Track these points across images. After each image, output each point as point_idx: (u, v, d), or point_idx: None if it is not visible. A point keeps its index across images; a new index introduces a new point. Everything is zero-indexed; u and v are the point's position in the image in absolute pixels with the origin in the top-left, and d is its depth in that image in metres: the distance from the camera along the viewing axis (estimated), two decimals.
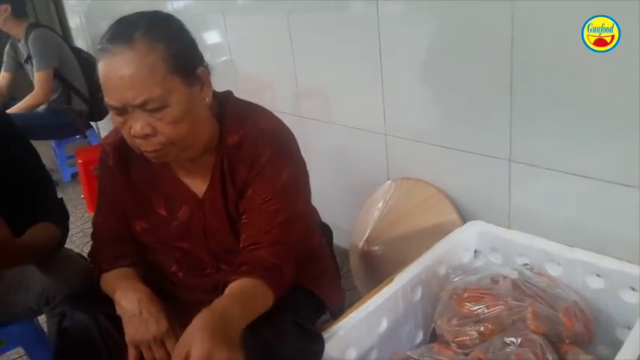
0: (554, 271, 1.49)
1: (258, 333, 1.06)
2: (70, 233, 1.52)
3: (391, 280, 1.47)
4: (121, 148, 1.27)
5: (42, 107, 3.52)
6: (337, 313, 1.38)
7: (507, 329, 1.33)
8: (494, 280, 1.45)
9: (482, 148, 1.67)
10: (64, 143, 3.86)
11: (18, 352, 2.06)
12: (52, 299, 1.43)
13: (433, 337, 1.50)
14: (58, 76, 3.48)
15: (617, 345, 1.22)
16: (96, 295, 1.28)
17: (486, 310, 1.37)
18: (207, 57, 1.19)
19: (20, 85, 3.73)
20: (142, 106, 1.05)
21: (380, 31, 1.85)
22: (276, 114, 1.28)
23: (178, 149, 1.13)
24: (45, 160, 1.50)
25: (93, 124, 3.98)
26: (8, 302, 1.49)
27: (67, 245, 1.53)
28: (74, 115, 3.62)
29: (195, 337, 0.92)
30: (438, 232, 1.68)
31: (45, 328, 1.71)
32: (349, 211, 2.09)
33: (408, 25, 1.81)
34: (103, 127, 4.28)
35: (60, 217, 1.46)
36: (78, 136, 3.84)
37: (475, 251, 1.66)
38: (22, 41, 3.46)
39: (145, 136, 1.08)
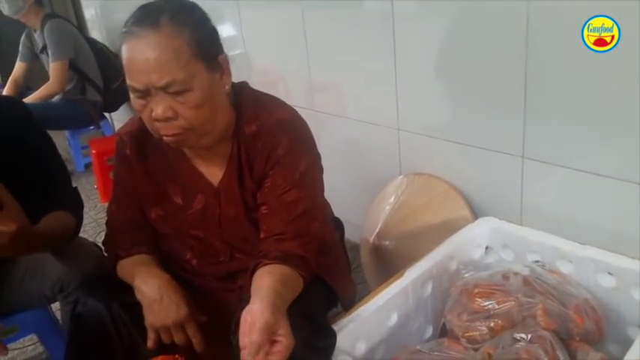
0: (565, 268, 1.49)
1: None
2: (83, 223, 1.53)
3: (402, 275, 1.47)
4: (138, 138, 1.29)
5: (57, 97, 3.55)
6: (348, 306, 1.39)
7: (517, 325, 1.33)
8: (505, 277, 1.44)
9: (495, 144, 1.67)
10: (78, 133, 3.89)
11: (31, 339, 2.09)
12: (67, 287, 1.44)
13: (443, 332, 1.50)
14: (73, 67, 3.50)
15: (627, 343, 1.22)
16: (109, 283, 1.30)
17: (497, 306, 1.37)
18: None
19: (36, 75, 3.76)
20: (165, 89, 1.07)
21: (394, 26, 1.85)
22: None
23: (197, 135, 1.14)
24: (59, 150, 1.52)
25: (107, 115, 4.01)
26: (23, 289, 1.52)
27: (80, 235, 1.55)
28: (88, 106, 3.65)
29: (256, 309, 0.96)
30: (450, 228, 1.68)
31: (59, 317, 1.73)
32: (361, 205, 2.10)
33: (422, 21, 1.80)
34: (117, 119, 4.30)
35: (75, 206, 1.47)
36: (92, 127, 3.87)
37: (486, 247, 1.66)
38: (38, 31, 3.49)
39: (167, 119, 1.09)
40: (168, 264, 1.31)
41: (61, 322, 1.68)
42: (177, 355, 1.18)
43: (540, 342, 1.25)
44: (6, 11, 3.40)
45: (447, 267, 1.57)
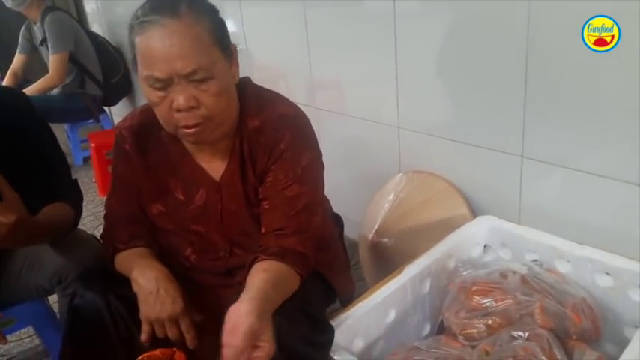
0: (563, 267, 1.49)
1: None
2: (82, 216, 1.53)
3: (400, 272, 1.48)
4: (139, 132, 1.29)
5: (55, 90, 3.55)
6: (347, 303, 1.39)
7: (515, 323, 1.34)
8: (503, 275, 1.45)
9: (495, 143, 1.67)
10: (77, 127, 3.89)
11: (28, 331, 2.09)
12: (65, 278, 1.44)
13: (440, 329, 1.51)
14: (73, 60, 3.50)
15: (623, 343, 1.22)
16: (107, 276, 1.29)
17: (494, 304, 1.37)
18: None
19: (35, 67, 3.75)
20: (190, 76, 1.07)
21: (396, 24, 1.85)
22: None
23: (215, 125, 1.14)
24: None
25: (106, 108, 4.01)
26: (21, 281, 1.51)
27: (79, 228, 1.55)
28: (88, 99, 3.64)
29: (242, 310, 0.97)
30: (448, 226, 1.68)
31: (55, 309, 1.73)
32: (360, 202, 2.10)
33: (423, 19, 1.80)
34: (116, 113, 4.30)
35: (74, 198, 1.47)
36: (91, 121, 3.86)
37: (485, 246, 1.67)
38: (38, 24, 3.48)
39: (189, 109, 1.09)
40: (166, 259, 1.31)
41: (58, 314, 1.68)
42: (175, 349, 1.18)
43: (537, 340, 1.26)
44: (9, 4, 3.40)
45: (446, 265, 1.57)
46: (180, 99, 1.08)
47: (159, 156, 1.29)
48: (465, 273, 1.51)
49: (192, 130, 1.12)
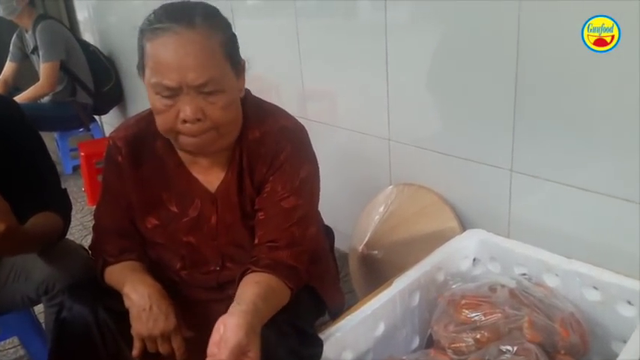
0: (551, 281, 1.50)
1: None
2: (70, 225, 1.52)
3: (390, 284, 1.47)
4: (133, 143, 1.27)
5: (46, 99, 3.54)
6: (336, 315, 1.39)
7: (503, 337, 1.34)
8: (492, 289, 1.45)
9: (484, 157, 1.68)
10: (66, 135, 3.87)
11: (12, 342, 2.06)
12: (52, 289, 1.43)
13: (429, 342, 1.51)
14: (64, 69, 3.50)
15: (611, 358, 1.23)
16: (96, 288, 1.28)
17: (483, 318, 1.37)
18: None
19: (25, 75, 3.74)
20: (200, 88, 1.06)
21: (387, 37, 1.86)
22: None
23: (219, 134, 1.13)
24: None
25: (97, 117, 3.99)
26: (7, 291, 1.50)
27: (67, 237, 1.53)
28: (78, 108, 3.63)
29: (231, 324, 0.96)
30: (438, 239, 1.68)
31: (41, 319, 1.71)
32: (350, 214, 2.10)
33: (415, 33, 1.82)
34: (107, 122, 4.29)
35: (63, 207, 1.46)
36: (81, 129, 3.85)
37: (474, 259, 1.67)
38: (30, 32, 3.48)
39: (195, 121, 1.08)
40: (156, 273, 1.28)
41: (44, 325, 1.66)
42: None
43: (526, 354, 1.26)
44: (1, 12, 3.39)
45: (435, 278, 1.57)
46: (187, 110, 1.06)
47: (153, 168, 1.27)
48: (454, 286, 1.51)
49: (195, 140, 1.11)
